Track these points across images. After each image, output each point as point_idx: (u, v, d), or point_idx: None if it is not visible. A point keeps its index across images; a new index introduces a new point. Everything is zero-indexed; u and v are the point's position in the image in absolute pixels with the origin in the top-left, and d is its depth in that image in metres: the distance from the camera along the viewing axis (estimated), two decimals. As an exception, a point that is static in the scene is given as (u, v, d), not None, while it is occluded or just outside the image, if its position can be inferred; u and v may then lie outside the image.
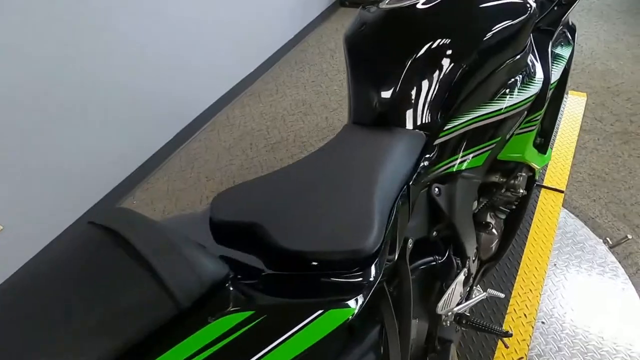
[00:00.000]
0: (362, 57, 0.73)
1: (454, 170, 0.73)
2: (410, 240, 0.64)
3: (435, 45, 0.66)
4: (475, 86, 0.70)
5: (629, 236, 1.28)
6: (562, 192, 1.55)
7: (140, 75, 1.98)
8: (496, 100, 0.74)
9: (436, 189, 0.72)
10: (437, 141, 0.69)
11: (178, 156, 2.23)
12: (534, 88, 0.79)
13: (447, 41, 0.66)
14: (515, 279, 1.29)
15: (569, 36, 0.95)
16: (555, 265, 1.33)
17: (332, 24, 3.35)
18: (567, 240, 1.40)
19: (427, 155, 0.68)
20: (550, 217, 1.47)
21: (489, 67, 0.70)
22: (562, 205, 1.53)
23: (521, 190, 0.91)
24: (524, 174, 0.91)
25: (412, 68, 0.68)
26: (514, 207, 0.99)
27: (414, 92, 0.68)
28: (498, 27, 0.68)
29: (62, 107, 1.65)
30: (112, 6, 1.77)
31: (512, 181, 0.90)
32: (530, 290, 1.26)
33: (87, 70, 1.71)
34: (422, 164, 0.67)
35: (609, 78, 2.24)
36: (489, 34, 0.67)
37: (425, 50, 0.67)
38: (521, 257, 1.34)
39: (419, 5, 0.69)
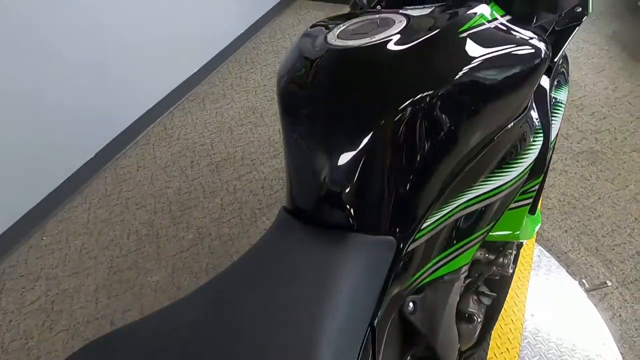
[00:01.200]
0: (303, 116, 0.49)
1: (434, 277, 0.53)
2: None
3: (410, 107, 0.43)
4: (462, 166, 0.49)
5: (609, 283, 1.17)
6: (535, 225, 1.43)
7: (53, 80, 1.60)
8: (487, 179, 0.54)
9: (410, 305, 0.51)
10: (412, 246, 0.48)
11: (102, 177, 1.88)
12: (533, 153, 0.60)
13: (428, 102, 0.44)
14: (490, 336, 1.14)
15: (565, 71, 0.77)
16: (532, 315, 1.20)
17: (288, 18, 3.05)
18: (542, 284, 1.28)
19: (398, 269, 0.47)
20: (524, 256, 1.33)
21: (481, 140, 0.49)
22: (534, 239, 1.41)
23: (511, 270, 0.73)
24: (513, 251, 0.74)
25: (376, 140, 0.45)
26: (497, 277, 0.82)
27: (378, 176, 0.46)
28: (495, 84, 0.47)
29: None
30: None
31: (501, 259, 0.71)
32: (507, 349, 1.12)
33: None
34: (391, 282, 0.46)
35: (573, 90, 2.17)
36: (483, 94, 0.46)
37: (396, 115, 0.44)
38: (496, 308, 1.19)
39: (390, 45, 0.46)
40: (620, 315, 1.24)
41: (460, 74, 0.44)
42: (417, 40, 0.45)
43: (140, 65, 2.02)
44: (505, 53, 0.46)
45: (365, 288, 0.44)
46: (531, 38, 0.50)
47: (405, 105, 0.43)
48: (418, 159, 0.46)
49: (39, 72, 1.56)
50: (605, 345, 1.13)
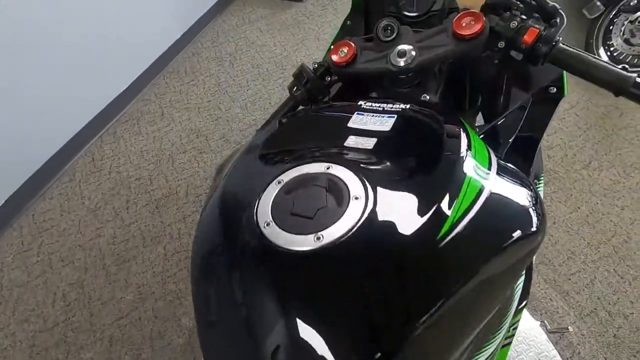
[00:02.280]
0: (218, 312, 0.36)
1: None
2: None
3: (388, 340, 0.32)
4: None
5: (570, 328, 1.17)
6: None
7: None
8: (479, 353, 0.44)
9: None
10: None
11: (16, 228, 1.60)
12: (519, 290, 0.51)
13: (412, 329, 0.32)
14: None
15: (539, 162, 0.69)
16: (498, 368, 1.17)
17: (232, 18, 2.78)
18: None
19: None
20: (488, 299, 1.31)
21: (471, 334, 0.39)
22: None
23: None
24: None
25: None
26: None
27: None
28: (497, 280, 0.37)
29: None
30: None
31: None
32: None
33: None
34: None
35: (524, 101, 2.18)
36: (487, 292, 0.36)
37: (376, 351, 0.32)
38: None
39: (351, 252, 0.33)
40: (579, 353, 1.26)
41: (456, 287, 0.32)
42: (387, 248, 0.32)
43: (58, 81, 1.71)
44: (506, 244, 0.35)
45: None
46: (527, 203, 0.40)
47: (385, 337, 0.31)
48: None
49: None
50: (568, 392, 1.14)
